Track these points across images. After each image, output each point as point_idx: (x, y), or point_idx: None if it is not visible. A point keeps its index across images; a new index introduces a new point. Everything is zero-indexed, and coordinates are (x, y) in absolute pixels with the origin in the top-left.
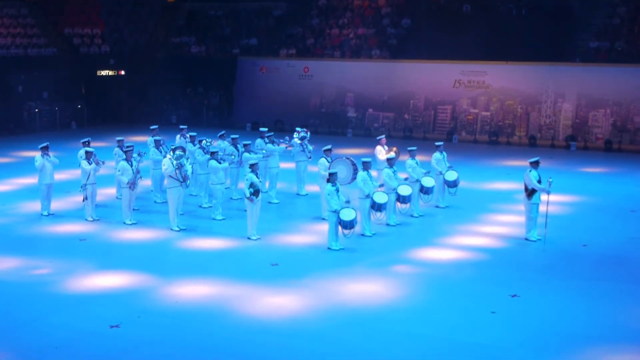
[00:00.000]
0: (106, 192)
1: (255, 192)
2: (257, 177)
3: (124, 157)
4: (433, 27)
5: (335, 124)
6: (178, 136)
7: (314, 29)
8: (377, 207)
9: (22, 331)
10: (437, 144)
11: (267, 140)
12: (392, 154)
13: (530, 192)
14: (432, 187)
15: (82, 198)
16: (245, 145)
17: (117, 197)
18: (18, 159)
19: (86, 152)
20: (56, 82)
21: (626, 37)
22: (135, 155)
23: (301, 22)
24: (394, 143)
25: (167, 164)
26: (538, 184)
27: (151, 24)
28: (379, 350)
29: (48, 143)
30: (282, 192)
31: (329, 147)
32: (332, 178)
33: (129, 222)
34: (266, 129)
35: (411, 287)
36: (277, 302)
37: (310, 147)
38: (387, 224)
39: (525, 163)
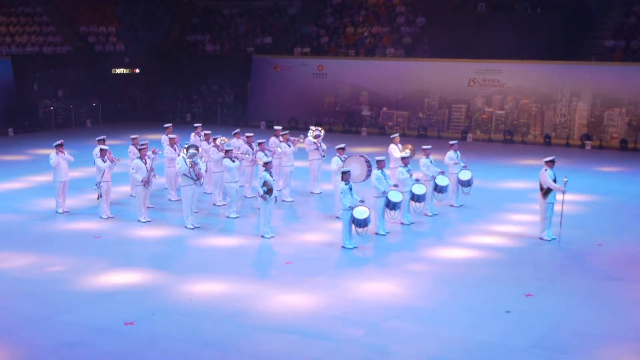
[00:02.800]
0: (121, 190)
1: (269, 191)
2: (271, 175)
3: (138, 155)
4: (448, 26)
5: (350, 123)
6: (193, 134)
7: (329, 28)
8: (391, 205)
9: (36, 328)
10: (451, 142)
11: (281, 139)
12: (407, 152)
13: (546, 191)
14: (447, 186)
15: (96, 196)
16: (259, 143)
17: (131, 195)
18: (33, 157)
19: (101, 149)
20: (71, 80)
21: None
22: (149, 152)
23: (315, 21)
24: (408, 142)
25: (180, 162)
26: (554, 183)
27: (166, 22)
28: (392, 349)
29: (63, 141)
30: (296, 190)
31: (342, 145)
32: (345, 176)
33: (143, 220)
34: (280, 127)
35: (425, 286)
36: (290, 301)
37: (324, 146)
38: (401, 223)
39: (540, 162)
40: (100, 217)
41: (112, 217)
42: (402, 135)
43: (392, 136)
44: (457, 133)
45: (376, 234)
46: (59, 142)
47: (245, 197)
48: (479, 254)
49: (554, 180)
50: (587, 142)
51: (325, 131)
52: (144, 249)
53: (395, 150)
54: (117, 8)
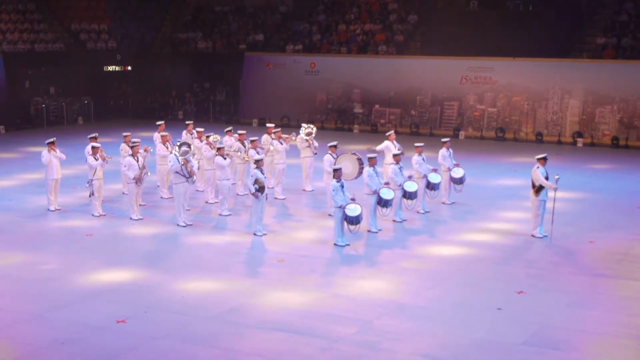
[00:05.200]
0: (113, 188)
1: (261, 189)
2: (262, 173)
3: (130, 152)
4: (440, 23)
5: (342, 120)
6: (185, 132)
7: (321, 25)
8: (383, 203)
9: (29, 326)
10: (443, 140)
11: (273, 137)
12: (399, 151)
13: (537, 189)
14: (439, 183)
15: (88, 193)
16: (252, 141)
17: (123, 193)
18: (25, 155)
19: (93, 147)
20: (63, 77)
21: (633, 34)
22: (141, 150)
23: (308, 18)
24: (400, 139)
25: (172, 159)
26: (546, 180)
27: (157, 19)
28: (384, 346)
29: (55, 138)
30: (288, 188)
31: (334, 143)
32: (337, 174)
33: (135, 218)
34: (273, 125)
35: (417, 284)
36: (282, 298)
37: (316, 143)
38: (394, 220)
39: (531, 159)
40: (92, 215)
41: (104, 215)
42: (395, 133)
43: (387, 133)
44: (449, 130)
45: (368, 231)
46: (51, 139)
47: (238, 194)
48: (471, 251)
49: (546, 178)
50: (579, 139)
51: (318, 128)
52: (136, 246)
53: (391, 148)
54: (109, 5)
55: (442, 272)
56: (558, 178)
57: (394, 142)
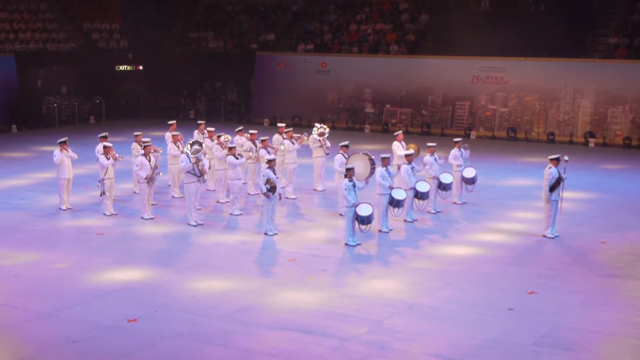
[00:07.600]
0: (124, 187)
1: (272, 188)
2: (274, 173)
3: (143, 152)
4: (451, 23)
5: (353, 120)
6: (196, 131)
7: (332, 24)
8: (395, 203)
9: (40, 324)
10: (455, 140)
11: (285, 136)
12: (410, 151)
13: (550, 189)
14: (450, 183)
15: (100, 193)
16: (262, 141)
17: (134, 192)
18: (37, 154)
19: (104, 146)
20: (75, 77)
21: None
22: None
23: (319, 18)
24: (411, 139)
25: (184, 159)
26: (552, 183)
27: (169, 18)
28: (395, 346)
29: (67, 138)
30: (300, 187)
31: (346, 143)
32: (349, 173)
33: (147, 217)
34: (284, 125)
35: (428, 284)
36: (293, 298)
37: (329, 144)
38: (405, 220)
39: (543, 159)
40: (104, 214)
41: (116, 214)
42: (406, 133)
43: (395, 133)
44: (460, 130)
45: (379, 231)
46: (63, 139)
47: (249, 194)
48: (482, 251)
49: (558, 179)
50: (591, 139)
51: (329, 128)
52: (148, 245)
53: (399, 148)
54: (120, 5)
55: (453, 272)
56: (567, 160)
57: (402, 142)
